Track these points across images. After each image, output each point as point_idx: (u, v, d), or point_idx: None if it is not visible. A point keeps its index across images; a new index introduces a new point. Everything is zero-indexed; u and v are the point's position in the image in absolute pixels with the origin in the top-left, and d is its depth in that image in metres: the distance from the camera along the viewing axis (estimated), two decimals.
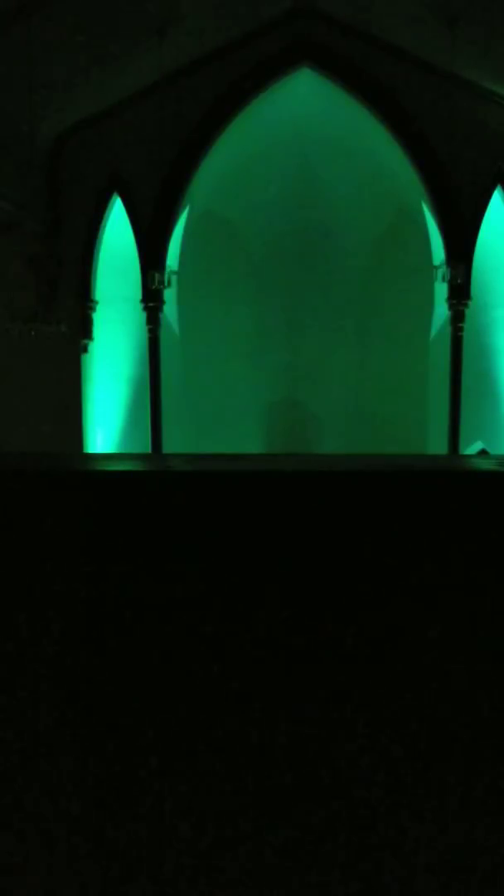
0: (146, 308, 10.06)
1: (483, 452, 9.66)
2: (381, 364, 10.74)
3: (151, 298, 9.99)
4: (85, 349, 10.27)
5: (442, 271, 9.58)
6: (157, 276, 9.58)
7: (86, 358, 10.29)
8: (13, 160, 8.34)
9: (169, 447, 10.16)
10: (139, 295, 10.02)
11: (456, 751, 1.27)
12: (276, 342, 10.95)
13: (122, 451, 10.34)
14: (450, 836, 1.27)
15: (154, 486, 1.31)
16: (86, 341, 10.27)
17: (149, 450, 10.07)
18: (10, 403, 10.15)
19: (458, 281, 9.43)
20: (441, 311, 10.14)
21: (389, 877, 1.28)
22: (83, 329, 10.19)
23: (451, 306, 9.88)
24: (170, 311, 10.32)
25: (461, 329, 9.91)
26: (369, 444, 10.15)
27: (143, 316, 10.12)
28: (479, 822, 1.27)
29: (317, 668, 1.27)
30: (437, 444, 10.09)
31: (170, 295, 10.20)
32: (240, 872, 1.29)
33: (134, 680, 1.29)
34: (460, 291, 9.70)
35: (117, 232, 10.14)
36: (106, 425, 10.56)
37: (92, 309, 10.26)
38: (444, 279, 9.59)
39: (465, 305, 9.82)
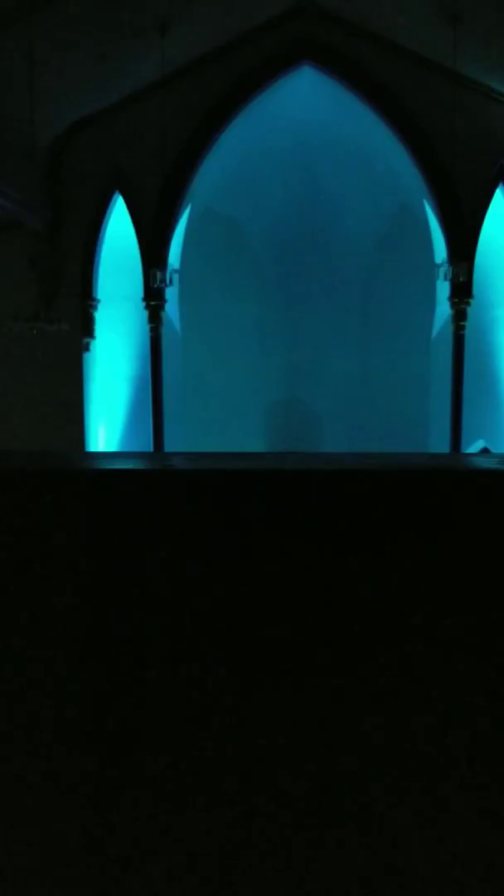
0: (148, 306, 10.06)
1: (485, 451, 9.65)
2: (382, 362, 10.73)
3: (153, 297, 9.99)
4: (87, 348, 10.27)
5: (444, 270, 9.57)
6: (158, 274, 9.58)
7: (87, 356, 10.30)
8: (14, 159, 8.34)
9: (170, 446, 10.16)
10: (141, 293, 10.02)
11: (460, 753, 1.27)
12: (278, 340, 10.94)
13: (124, 449, 10.34)
14: (450, 839, 1.27)
15: (155, 485, 1.31)
16: (87, 340, 10.27)
17: (150, 448, 10.07)
18: (11, 402, 10.16)
19: (460, 279, 9.42)
20: (443, 309, 10.14)
21: (391, 878, 1.28)
22: (85, 327, 10.19)
23: (452, 305, 9.87)
24: (171, 309, 10.32)
25: (463, 327, 9.91)
26: (371, 442, 10.14)
27: (144, 314, 10.12)
28: (481, 825, 1.27)
29: (318, 667, 1.27)
30: (438, 443, 10.09)
31: (171, 293, 10.19)
32: (241, 874, 1.29)
33: (136, 677, 1.29)
34: (462, 290, 9.70)
35: (119, 230, 10.14)
36: (108, 424, 10.57)
37: (94, 307, 10.26)
38: (445, 277, 9.58)
39: (467, 304, 9.82)
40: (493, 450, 9.74)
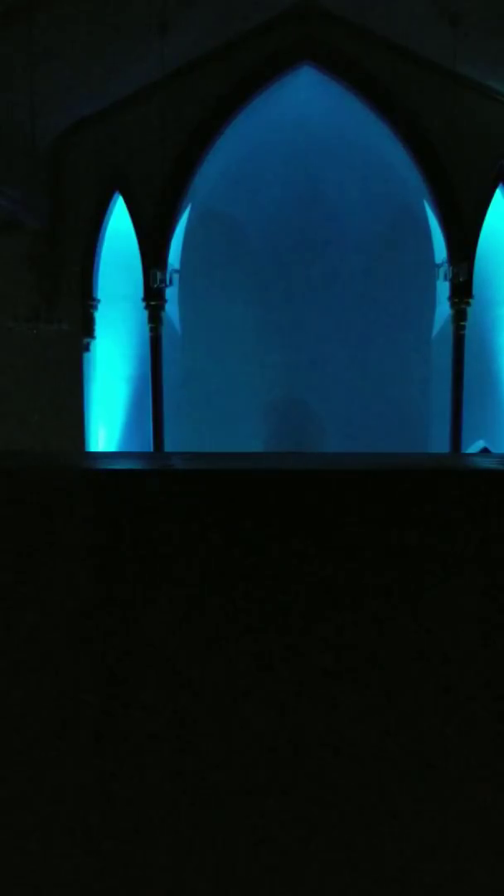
0: (148, 306, 10.07)
1: (485, 451, 9.65)
2: (382, 362, 10.73)
3: (153, 297, 9.99)
4: (87, 348, 10.27)
5: (444, 269, 9.57)
6: (158, 274, 9.58)
7: (88, 356, 10.30)
8: (15, 158, 8.34)
9: (170, 446, 10.16)
10: (141, 293, 10.03)
11: (457, 753, 1.27)
12: (278, 340, 10.94)
13: (124, 449, 10.34)
14: (450, 837, 1.27)
15: (155, 485, 1.31)
16: (88, 340, 10.27)
17: (150, 448, 10.07)
18: (12, 402, 10.16)
19: (460, 279, 9.42)
20: (443, 309, 10.14)
21: (390, 875, 1.28)
22: (85, 327, 10.19)
23: (452, 305, 9.87)
24: (171, 309, 10.33)
25: (463, 327, 9.91)
26: (371, 442, 10.14)
27: (144, 314, 10.13)
28: (481, 822, 1.28)
29: (318, 666, 1.27)
30: (438, 443, 10.09)
31: (171, 293, 10.20)
32: (239, 867, 1.29)
33: (135, 675, 1.29)
34: (462, 290, 9.70)
35: (119, 230, 10.14)
36: (108, 424, 10.57)
37: (94, 307, 10.26)
38: (445, 277, 9.58)
39: (467, 304, 9.82)
40: (493, 450, 9.75)
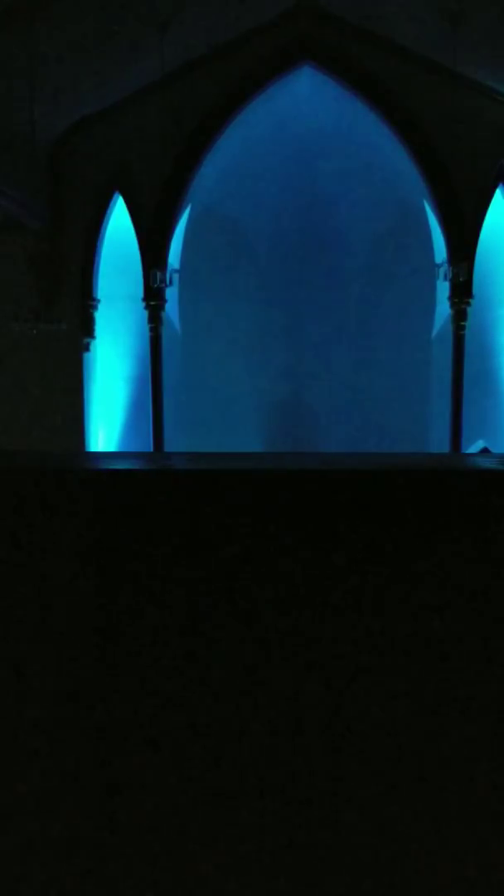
0: (148, 306, 10.07)
1: (485, 451, 9.64)
2: (382, 362, 10.72)
3: (153, 297, 9.99)
4: (86, 347, 10.27)
5: (444, 269, 9.58)
6: (158, 274, 9.59)
7: (87, 356, 10.30)
8: (15, 158, 8.34)
9: (170, 446, 10.16)
10: (141, 293, 10.03)
11: (458, 754, 1.27)
12: (278, 340, 10.93)
13: (124, 449, 10.34)
14: (450, 837, 1.27)
15: (155, 485, 1.31)
16: (87, 340, 10.27)
17: (150, 448, 10.08)
18: (11, 401, 10.16)
19: (461, 279, 9.43)
20: (443, 309, 10.14)
21: (388, 873, 1.28)
22: (85, 327, 10.19)
23: (452, 305, 9.88)
24: (171, 309, 10.33)
25: (463, 327, 9.91)
26: (371, 442, 10.14)
27: (144, 314, 10.13)
28: (480, 824, 1.27)
29: (317, 666, 1.27)
30: (438, 443, 10.09)
31: (171, 293, 10.20)
32: (238, 860, 1.29)
33: (135, 673, 1.29)
34: (462, 290, 9.70)
35: (119, 230, 10.14)
36: (107, 424, 10.57)
37: (93, 307, 10.27)
38: (446, 277, 9.59)
39: (468, 304, 9.82)
40: (493, 450, 9.74)
